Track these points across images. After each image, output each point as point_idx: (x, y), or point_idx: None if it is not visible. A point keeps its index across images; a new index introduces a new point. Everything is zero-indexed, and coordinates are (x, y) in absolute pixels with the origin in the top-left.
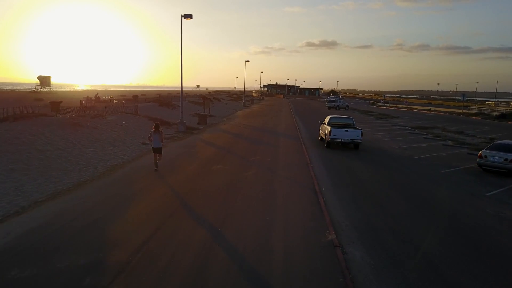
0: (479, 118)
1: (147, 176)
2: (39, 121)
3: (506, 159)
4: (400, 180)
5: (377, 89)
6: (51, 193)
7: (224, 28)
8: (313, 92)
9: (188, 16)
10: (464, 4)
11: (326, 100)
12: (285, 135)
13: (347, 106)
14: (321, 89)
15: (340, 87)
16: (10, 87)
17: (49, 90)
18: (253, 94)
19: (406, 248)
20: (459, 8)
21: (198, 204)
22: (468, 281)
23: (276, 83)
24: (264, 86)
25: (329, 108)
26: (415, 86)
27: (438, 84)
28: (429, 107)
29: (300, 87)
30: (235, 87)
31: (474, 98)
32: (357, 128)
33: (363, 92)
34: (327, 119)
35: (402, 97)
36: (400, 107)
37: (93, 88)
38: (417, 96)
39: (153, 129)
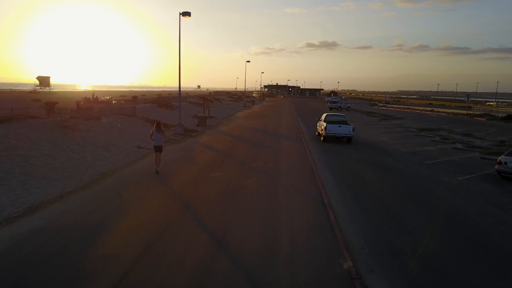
0: (484, 119)
1: (137, 185)
2: (26, 124)
3: None
4: (415, 189)
5: (377, 90)
6: (28, 207)
7: (225, 28)
8: (314, 92)
9: (186, 14)
10: (463, 5)
11: (328, 101)
12: (287, 137)
13: (349, 107)
14: (322, 89)
15: (340, 87)
16: (11, 88)
17: (48, 90)
18: (254, 95)
19: (438, 279)
20: (459, 9)
21: (192, 222)
22: None
23: (277, 83)
24: (265, 86)
25: (331, 109)
26: (415, 87)
27: (438, 84)
28: (431, 108)
29: (301, 87)
30: (235, 88)
31: (474, 99)
32: (349, 124)
33: (363, 93)
34: (323, 116)
35: (403, 98)
36: (402, 108)
37: (95, 89)
38: (417, 97)
39: (155, 128)
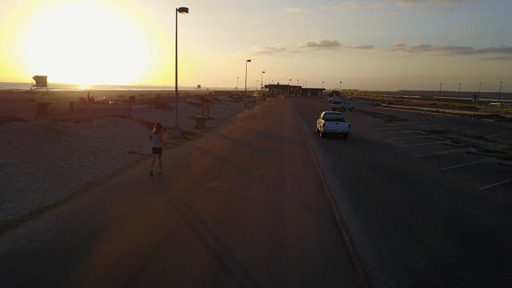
0: (493, 120)
1: (124, 199)
2: (9, 128)
3: None
4: (436, 203)
5: (378, 90)
6: None
7: (226, 28)
8: (316, 92)
9: (183, 10)
10: (465, 5)
11: (330, 101)
12: (290, 140)
13: (353, 107)
14: (324, 89)
15: (341, 87)
16: (9, 87)
17: (45, 90)
18: (255, 95)
19: None
20: (460, 9)
21: (181, 251)
22: None
23: (278, 83)
24: (266, 86)
25: (334, 109)
26: (417, 87)
27: (441, 84)
28: (437, 109)
29: (302, 87)
30: (236, 88)
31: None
32: (346, 121)
33: (365, 92)
34: (322, 114)
35: (405, 98)
36: (406, 108)
37: (95, 89)
38: (420, 97)
39: (154, 129)
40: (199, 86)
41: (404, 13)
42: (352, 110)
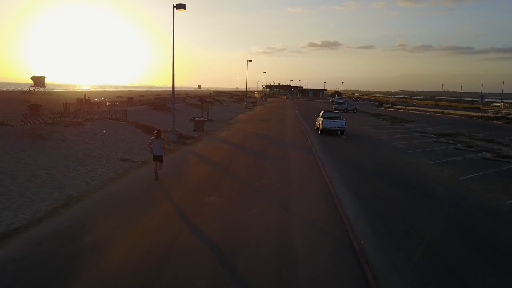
0: (501, 122)
1: (107, 219)
2: None
3: None
4: (465, 223)
5: (379, 90)
6: None
7: (226, 28)
8: (317, 93)
9: (181, 7)
10: (466, 5)
11: (332, 102)
12: (294, 145)
13: (356, 108)
14: (325, 89)
15: (343, 87)
16: (8, 88)
17: (43, 91)
18: (255, 95)
19: None
20: (461, 9)
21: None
22: None
23: (279, 83)
24: (267, 86)
25: (337, 110)
26: (418, 87)
27: (443, 84)
28: (441, 110)
29: (304, 87)
30: (237, 88)
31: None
32: (342, 119)
33: (366, 93)
34: (320, 113)
35: (407, 98)
36: (410, 109)
37: (96, 89)
38: (421, 97)
39: (155, 136)
40: (199, 86)
41: (405, 13)
42: (355, 111)
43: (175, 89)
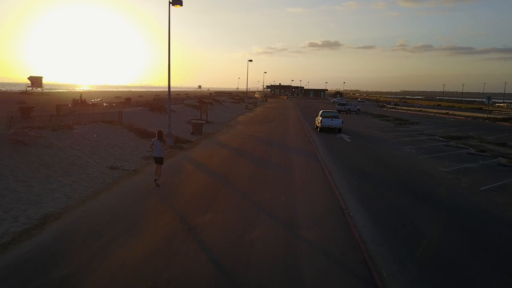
0: (509, 124)
1: (84, 245)
2: None
3: None
4: (505, 250)
5: (380, 90)
6: None
7: (227, 28)
8: (318, 93)
9: (177, 3)
10: (466, 5)
11: (334, 103)
12: (298, 150)
13: (359, 109)
14: (326, 90)
15: (344, 87)
16: (6, 88)
17: (41, 91)
18: (256, 96)
19: None
20: (462, 9)
21: None
22: None
23: (280, 83)
24: (267, 87)
25: (339, 111)
26: (419, 87)
27: (444, 85)
28: (446, 111)
29: (305, 88)
30: (237, 88)
31: (481, 99)
32: (339, 118)
33: (366, 93)
34: (319, 112)
35: (408, 98)
36: (414, 110)
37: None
38: (422, 97)
39: (156, 137)
40: (199, 86)
41: (405, 13)
42: (358, 112)
43: (175, 89)
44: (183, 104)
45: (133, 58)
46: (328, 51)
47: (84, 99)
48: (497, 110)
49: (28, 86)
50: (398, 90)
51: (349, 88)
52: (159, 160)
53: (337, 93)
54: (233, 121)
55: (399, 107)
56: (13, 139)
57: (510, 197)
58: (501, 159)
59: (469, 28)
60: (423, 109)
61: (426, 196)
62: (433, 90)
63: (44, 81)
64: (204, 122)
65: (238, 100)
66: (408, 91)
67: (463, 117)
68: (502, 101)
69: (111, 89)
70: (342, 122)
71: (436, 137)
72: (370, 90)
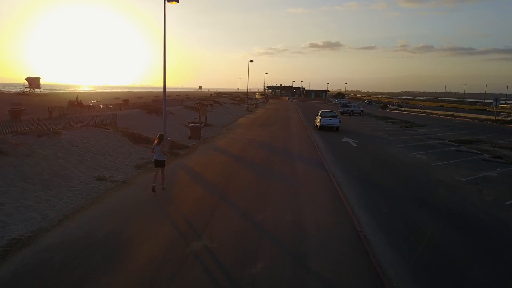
0: None
1: (53, 282)
2: None
3: None
4: None
5: (381, 90)
6: None
7: (227, 29)
8: (320, 94)
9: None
10: (467, 5)
11: (335, 104)
12: (302, 157)
13: (362, 111)
14: (328, 91)
15: (346, 88)
16: (7, 88)
17: (38, 92)
18: (257, 96)
19: None
20: (463, 9)
21: None
22: None
23: (281, 84)
24: (268, 87)
25: (342, 113)
26: (420, 88)
27: (446, 85)
28: (451, 113)
29: (306, 88)
30: (238, 89)
31: (483, 100)
32: (337, 118)
33: (367, 94)
34: (319, 112)
35: (409, 99)
36: (418, 112)
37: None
38: (424, 98)
39: (156, 141)
40: (200, 87)
41: (406, 14)
42: (361, 114)
43: (176, 90)
44: (182, 106)
45: (134, 58)
46: (329, 51)
47: (80, 100)
48: (501, 111)
49: (26, 87)
50: (399, 91)
51: (350, 89)
52: (160, 163)
53: (339, 94)
54: (233, 123)
55: (402, 109)
56: None
57: None
58: None
59: (470, 29)
60: (427, 111)
61: (450, 215)
62: (434, 91)
63: (45, 81)
64: (202, 125)
65: (238, 101)
66: (409, 91)
67: (469, 119)
68: (504, 101)
69: (112, 90)
70: (340, 122)
71: (446, 141)
72: (371, 91)
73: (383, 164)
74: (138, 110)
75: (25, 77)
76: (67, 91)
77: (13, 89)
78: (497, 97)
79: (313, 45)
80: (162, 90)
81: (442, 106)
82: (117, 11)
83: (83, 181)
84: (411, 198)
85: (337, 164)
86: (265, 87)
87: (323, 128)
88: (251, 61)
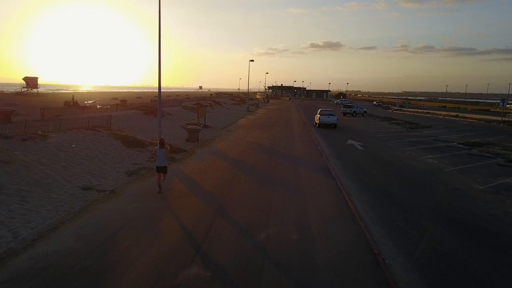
0: None
1: None
2: None
3: None
4: None
5: (381, 91)
6: None
7: (228, 29)
8: (321, 94)
9: None
10: (468, 6)
11: (337, 104)
12: (306, 162)
13: (365, 112)
14: (329, 91)
15: (345, 88)
16: (5, 88)
17: (36, 92)
18: (258, 97)
19: None
20: (463, 10)
21: None
22: None
23: (282, 84)
24: (269, 87)
25: (345, 114)
26: (420, 88)
27: (447, 86)
28: (456, 113)
29: (307, 88)
30: (238, 89)
31: (485, 101)
32: (334, 116)
33: (368, 94)
34: (318, 111)
35: (411, 99)
36: (421, 112)
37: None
38: (425, 98)
39: (158, 145)
40: (200, 87)
41: (407, 14)
42: (364, 114)
43: (176, 90)
44: (181, 106)
45: (135, 59)
46: (329, 52)
47: (76, 101)
48: (507, 112)
49: (23, 87)
50: (400, 91)
51: (351, 89)
52: (162, 170)
53: (340, 94)
54: (233, 125)
55: (405, 109)
56: None
57: None
58: None
59: (470, 29)
60: (430, 111)
61: (474, 232)
62: (435, 91)
63: (46, 81)
64: (201, 127)
65: (239, 101)
66: (410, 92)
67: (475, 120)
68: (507, 102)
69: (112, 90)
70: (337, 119)
71: (455, 143)
72: (371, 91)
73: (393, 170)
74: (135, 111)
75: (23, 77)
76: (67, 91)
77: (12, 89)
78: (504, 98)
79: (313, 45)
80: (163, 90)
81: (445, 106)
82: (118, 11)
83: (67, 191)
84: (430, 211)
85: (344, 170)
86: (266, 87)
87: (321, 125)
88: (252, 60)
